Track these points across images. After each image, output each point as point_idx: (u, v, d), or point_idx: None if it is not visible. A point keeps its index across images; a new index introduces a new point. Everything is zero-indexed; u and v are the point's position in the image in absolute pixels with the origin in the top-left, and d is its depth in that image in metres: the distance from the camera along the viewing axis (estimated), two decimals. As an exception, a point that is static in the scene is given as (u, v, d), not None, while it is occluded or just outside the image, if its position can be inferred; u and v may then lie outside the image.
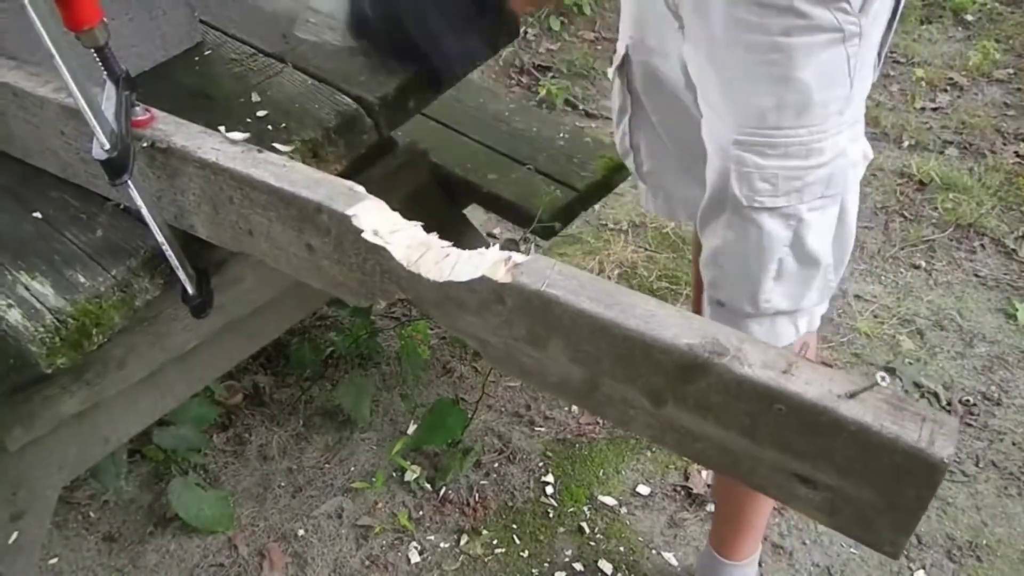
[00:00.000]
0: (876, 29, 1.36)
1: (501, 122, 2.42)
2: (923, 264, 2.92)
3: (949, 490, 2.29)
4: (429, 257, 1.05)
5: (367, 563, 2.18)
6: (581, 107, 3.79)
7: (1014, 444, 2.39)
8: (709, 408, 0.90)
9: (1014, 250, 2.94)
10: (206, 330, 1.56)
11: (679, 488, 2.33)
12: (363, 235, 1.07)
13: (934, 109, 3.63)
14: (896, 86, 3.76)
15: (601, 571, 2.16)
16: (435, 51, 1.39)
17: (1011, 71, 3.83)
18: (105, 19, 1.15)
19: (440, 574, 2.16)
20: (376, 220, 1.09)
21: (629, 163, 1.84)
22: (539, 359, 1.01)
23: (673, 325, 0.90)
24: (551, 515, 2.27)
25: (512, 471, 2.36)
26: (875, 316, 2.74)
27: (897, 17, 1.41)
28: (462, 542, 2.22)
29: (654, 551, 2.20)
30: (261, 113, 1.52)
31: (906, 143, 3.43)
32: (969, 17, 4.17)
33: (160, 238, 1.28)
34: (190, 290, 1.38)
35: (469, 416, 2.41)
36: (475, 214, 2.58)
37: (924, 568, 2.14)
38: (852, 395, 0.81)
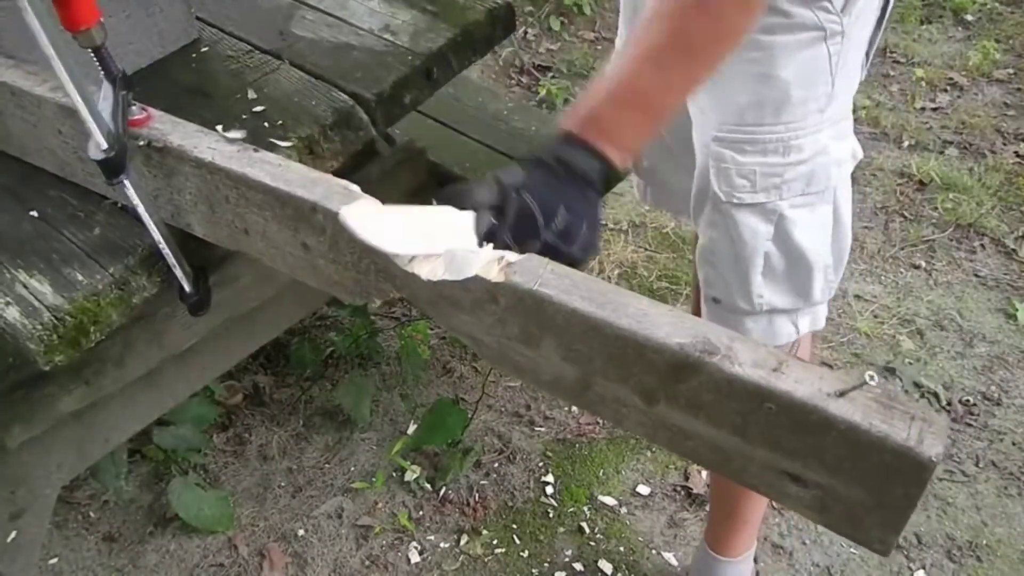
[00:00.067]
0: (861, 28, 1.37)
1: (500, 121, 2.42)
2: (923, 264, 2.92)
3: (949, 490, 2.29)
4: (423, 256, 1.05)
5: (367, 563, 2.18)
6: (582, 107, 3.79)
7: (1014, 444, 2.39)
8: (700, 407, 0.90)
9: (1014, 250, 2.94)
10: (205, 329, 1.56)
11: (679, 488, 2.33)
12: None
13: (934, 109, 3.62)
14: (896, 86, 3.75)
15: (601, 571, 2.16)
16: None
17: (1011, 71, 3.82)
18: (102, 17, 1.15)
19: (440, 574, 2.16)
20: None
21: None
22: (532, 358, 1.02)
23: (665, 324, 0.90)
24: (551, 515, 2.27)
25: (512, 471, 2.37)
26: (875, 316, 2.74)
27: (886, 17, 1.41)
28: (462, 542, 2.22)
29: (654, 551, 2.20)
30: (257, 110, 1.52)
31: (906, 143, 3.42)
32: (969, 17, 4.16)
33: (157, 236, 1.28)
34: (187, 288, 1.38)
35: (469, 416, 2.41)
36: (475, 214, 2.58)
37: (924, 568, 2.14)
38: (841, 394, 0.81)
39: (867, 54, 1.43)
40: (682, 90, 1.18)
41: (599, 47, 4.13)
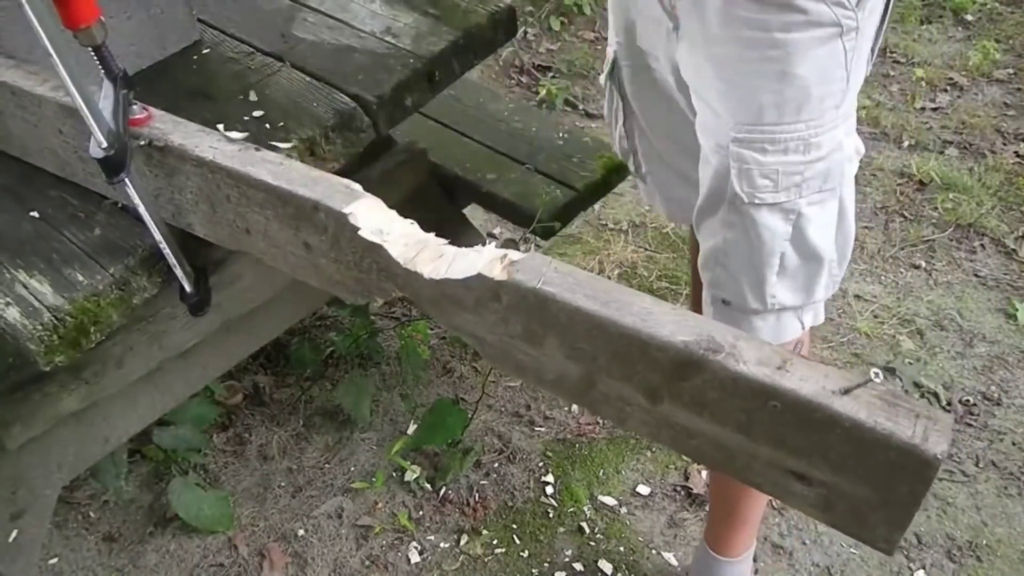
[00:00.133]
0: (871, 23, 1.37)
1: (500, 122, 2.42)
2: (923, 264, 2.92)
3: (949, 490, 2.29)
4: (426, 255, 1.05)
5: (367, 563, 2.18)
6: (581, 107, 3.79)
7: (1014, 444, 2.38)
8: (705, 405, 0.90)
9: (1014, 250, 2.94)
10: (205, 329, 1.56)
11: (679, 488, 2.32)
12: (360, 233, 1.07)
13: (934, 109, 3.62)
14: (896, 86, 3.75)
15: (601, 571, 2.16)
16: None
17: (1011, 71, 3.82)
18: (103, 17, 1.15)
19: (440, 574, 2.16)
20: (372, 218, 1.09)
21: (630, 164, 1.85)
22: (535, 357, 1.01)
23: (669, 322, 0.90)
24: (551, 515, 2.27)
25: (512, 471, 2.36)
26: (875, 316, 2.74)
27: (889, 10, 1.41)
28: (462, 542, 2.22)
29: (654, 551, 2.20)
30: (259, 112, 1.52)
31: (906, 143, 3.42)
32: (969, 17, 4.16)
33: (158, 236, 1.28)
34: (188, 288, 1.38)
35: (469, 416, 2.41)
36: (475, 214, 2.58)
37: (924, 568, 2.14)
38: (846, 391, 0.81)
39: (872, 49, 1.43)
40: None
41: (599, 47, 4.13)
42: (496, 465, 2.38)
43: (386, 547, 2.21)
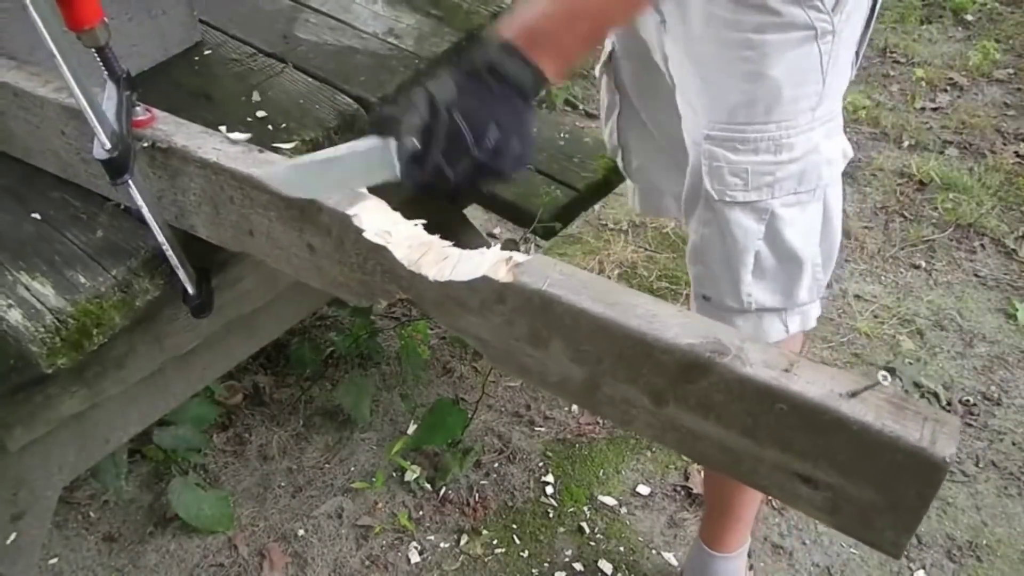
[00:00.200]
0: (851, 27, 1.37)
1: (501, 122, 2.41)
2: (923, 264, 2.92)
3: (949, 490, 2.29)
4: (430, 257, 1.05)
5: (367, 563, 2.18)
6: (581, 107, 3.79)
7: (1014, 444, 2.38)
8: (711, 408, 0.90)
9: (1014, 250, 2.94)
10: (206, 330, 1.56)
11: (679, 488, 2.32)
12: (364, 235, 1.07)
13: (934, 109, 3.62)
14: (896, 86, 3.76)
15: (601, 571, 2.16)
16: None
17: (1011, 71, 3.82)
18: (105, 19, 1.15)
19: (440, 574, 2.16)
20: (377, 220, 1.09)
21: (619, 160, 1.85)
22: (540, 359, 1.01)
23: (675, 325, 0.90)
24: (551, 515, 2.27)
25: (512, 471, 2.36)
26: (875, 316, 2.74)
27: (875, 15, 1.41)
28: (462, 542, 2.22)
29: (654, 551, 2.20)
30: (261, 113, 1.52)
31: (906, 143, 3.42)
32: (969, 17, 4.16)
33: (160, 238, 1.28)
34: (190, 290, 1.38)
35: (469, 416, 2.41)
36: (475, 214, 2.58)
37: (924, 568, 2.14)
38: (854, 394, 0.81)
39: (857, 53, 1.44)
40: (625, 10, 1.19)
41: (599, 47, 4.12)
42: (496, 465, 2.38)
43: (386, 547, 2.21)
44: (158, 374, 1.58)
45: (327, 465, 2.39)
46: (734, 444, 0.91)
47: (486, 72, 1.07)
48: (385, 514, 2.27)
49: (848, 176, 1.46)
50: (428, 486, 2.33)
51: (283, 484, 2.35)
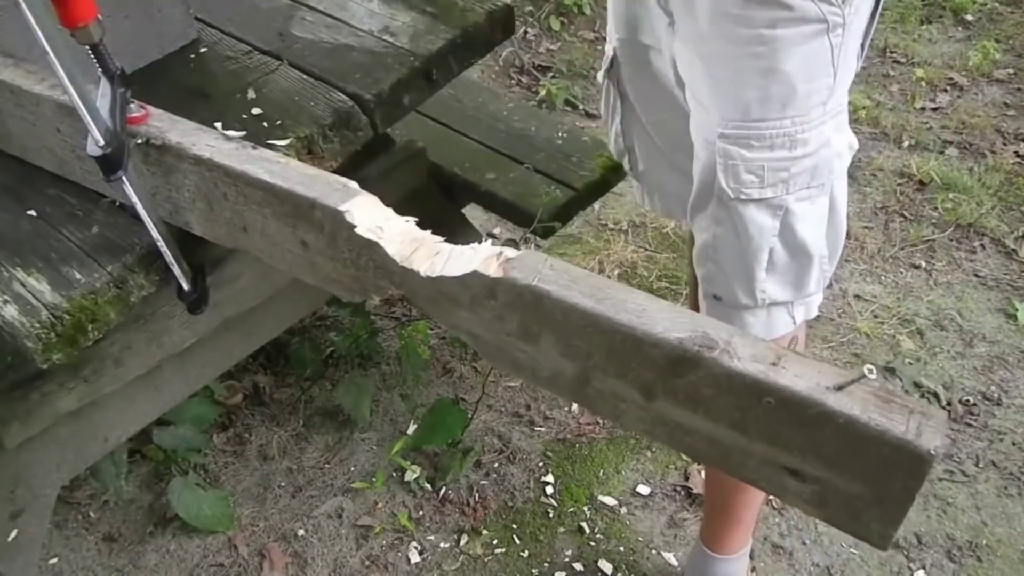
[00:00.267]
0: (859, 19, 1.37)
1: (500, 121, 2.42)
2: (923, 264, 2.92)
3: (949, 490, 2.29)
4: (422, 252, 1.05)
5: (367, 563, 2.18)
6: (581, 107, 3.79)
7: (1014, 444, 2.38)
8: (699, 402, 0.90)
9: (1014, 250, 2.93)
10: (204, 328, 1.56)
11: (679, 488, 2.32)
12: (356, 231, 1.08)
13: (934, 109, 3.62)
14: (896, 86, 3.75)
15: (601, 571, 2.16)
16: None
17: (1011, 71, 3.82)
18: (100, 16, 1.15)
19: (440, 574, 2.16)
20: (369, 216, 1.09)
21: (625, 163, 1.85)
22: (531, 354, 1.01)
23: (663, 319, 0.90)
24: (551, 515, 2.27)
25: (512, 471, 2.36)
26: (875, 316, 2.74)
27: (879, 7, 1.41)
28: (462, 542, 2.22)
29: (654, 551, 2.20)
30: (256, 110, 1.52)
31: (906, 143, 3.42)
32: (969, 17, 4.16)
33: (155, 235, 1.28)
34: (185, 287, 1.38)
35: (469, 416, 2.41)
36: (474, 213, 2.58)
37: (924, 568, 2.14)
38: (840, 387, 0.81)
39: (862, 45, 1.44)
40: None
41: (599, 47, 4.13)
42: (496, 465, 2.38)
43: (386, 547, 2.21)
44: (156, 372, 1.58)
45: (327, 465, 2.39)
46: (723, 438, 0.91)
47: None
48: (385, 514, 2.28)
49: (848, 176, 1.45)
50: (428, 486, 2.33)
51: (283, 484, 2.35)
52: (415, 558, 2.19)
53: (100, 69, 1.20)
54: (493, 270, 0.98)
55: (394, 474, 2.36)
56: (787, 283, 1.49)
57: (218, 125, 1.32)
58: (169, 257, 1.31)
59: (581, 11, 4.30)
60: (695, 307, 1.87)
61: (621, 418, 0.99)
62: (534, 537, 2.23)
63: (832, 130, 1.40)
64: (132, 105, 1.25)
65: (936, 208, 3.11)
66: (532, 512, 2.28)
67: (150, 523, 2.27)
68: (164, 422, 2.22)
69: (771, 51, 1.31)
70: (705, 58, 1.39)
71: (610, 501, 2.30)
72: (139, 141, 1.25)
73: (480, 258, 1.00)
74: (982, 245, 2.98)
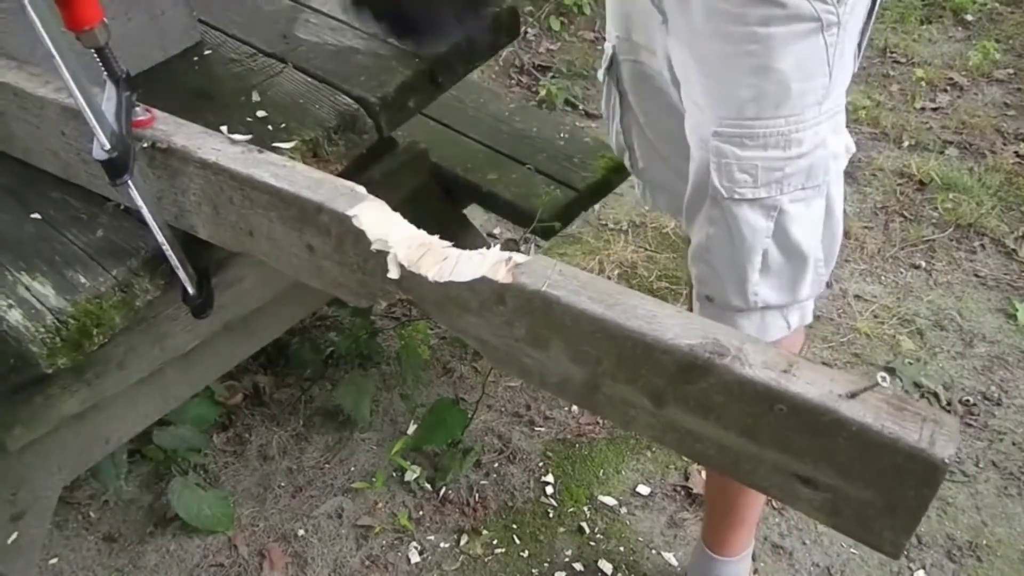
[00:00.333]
0: (855, 19, 1.36)
1: (501, 122, 2.42)
2: (923, 264, 2.92)
3: (949, 490, 2.29)
4: (430, 258, 1.05)
5: (367, 563, 2.18)
6: (581, 107, 3.79)
7: (1014, 444, 2.38)
8: (710, 409, 0.90)
9: (1014, 250, 2.94)
10: (206, 330, 1.56)
11: (679, 488, 2.32)
12: (364, 235, 1.07)
13: (934, 109, 3.62)
14: (896, 86, 3.76)
15: (601, 571, 2.16)
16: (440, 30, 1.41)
17: (1011, 71, 3.82)
18: (105, 19, 1.15)
19: (440, 574, 2.16)
20: (377, 220, 1.09)
21: (625, 161, 1.85)
22: (540, 359, 1.01)
23: (674, 326, 0.90)
24: (551, 515, 2.27)
25: (512, 471, 2.36)
26: (875, 316, 2.74)
27: (876, 7, 1.41)
28: (462, 542, 2.22)
29: (654, 551, 2.20)
30: (261, 113, 1.52)
31: (906, 143, 3.42)
32: (969, 17, 4.16)
33: (160, 238, 1.28)
34: (191, 291, 1.38)
35: (469, 416, 2.41)
36: (474, 214, 2.58)
37: (924, 568, 2.14)
38: (853, 395, 0.81)
39: (859, 45, 1.43)
40: None
41: (599, 47, 4.12)
42: (496, 465, 2.38)
43: (386, 547, 2.21)
44: (158, 374, 1.58)
45: (327, 465, 2.39)
46: (734, 445, 0.91)
47: None
48: (385, 514, 2.28)
49: (848, 176, 1.45)
50: (428, 486, 2.33)
51: (283, 484, 2.35)
52: (415, 558, 2.19)
53: (105, 72, 1.20)
54: (502, 275, 0.98)
55: (394, 474, 2.36)
56: (781, 286, 1.49)
57: (223, 128, 1.32)
58: (174, 261, 1.31)
59: (581, 11, 4.29)
60: (693, 311, 1.88)
61: (630, 424, 0.99)
62: (534, 537, 2.23)
63: (828, 131, 1.39)
64: (137, 108, 1.25)
65: (936, 208, 3.11)
66: (532, 512, 2.28)
67: (150, 523, 2.27)
68: (164, 422, 2.22)
69: (765, 49, 1.31)
70: (698, 56, 1.39)
71: (610, 501, 2.30)
72: (144, 145, 1.25)
73: (489, 263, 1.00)
74: (982, 245, 2.98)
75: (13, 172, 1.48)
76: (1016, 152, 3.36)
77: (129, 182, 1.20)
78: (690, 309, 1.91)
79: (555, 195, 2.19)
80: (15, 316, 1.26)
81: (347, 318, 2.66)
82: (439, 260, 1.04)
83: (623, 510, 2.28)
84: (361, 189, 1.13)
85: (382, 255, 1.06)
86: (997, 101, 3.66)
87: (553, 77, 3.93)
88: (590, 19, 4.31)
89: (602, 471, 2.37)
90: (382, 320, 2.71)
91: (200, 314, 1.42)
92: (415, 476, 2.34)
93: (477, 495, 2.31)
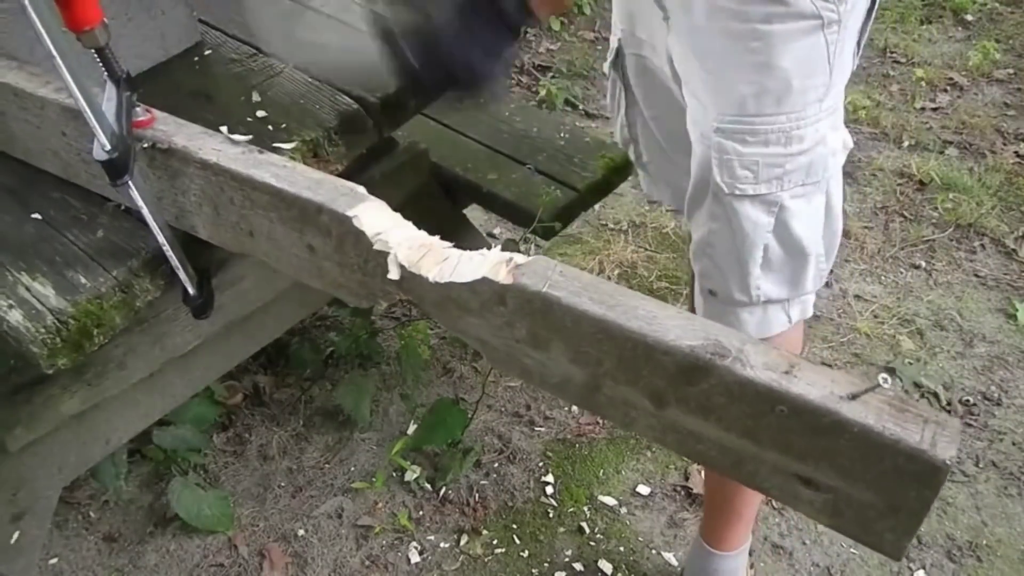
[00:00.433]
0: (855, 17, 1.37)
1: (501, 122, 2.42)
2: (923, 264, 2.92)
3: (949, 490, 2.29)
4: (430, 258, 1.05)
5: (367, 563, 2.18)
6: (581, 107, 3.79)
7: (1014, 444, 2.39)
8: (711, 410, 0.90)
9: (1014, 250, 2.94)
10: (206, 330, 1.56)
11: (679, 488, 2.32)
12: (364, 236, 1.07)
13: (934, 109, 3.62)
14: (896, 86, 3.76)
15: (601, 571, 2.16)
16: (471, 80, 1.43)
17: (1011, 71, 3.83)
18: (105, 20, 1.15)
19: (440, 574, 2.16)
20: (377, 221, 1.09)
21: (630, 153, 1.85)
22: (540, 360, 1.01)
23: (675, 327, 0.90)
24: (551, 515, 2.27)
25: (512, 471, 2.36)
26: (875, 316, 2.74)
27: (876, 6, 1.41)
28: (462, 542, 2.22)
29: (654, 551, 2.20)
30: (261, 113, 1.52)
31: (906, 143, 3.42)
32: (969, 17, 4.17)
33: (161, 239, 1.28)
34: (191, 291, 1.38)
35: (469, 416, 2.41)
36: (474, 214, 2.58)
37: (924, 568, 2.14)
38: (854, 396, 0.81)
39: (858, 43, 1.44)
40: None
41: (599, 47, 4.13)
42: (496, 465, 2.38)
43: (386, 547, 2.21)
44: (158, 374, 1.58)
45: (327, 465, 2.39)
46: (735, 446, 0.91)
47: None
48: (385, 514, 2.27)
49: (848, 176, 1.45)
50: (428, 486, 2.33)
51: (283, 484, 2.35)
52: (415, 558, 2.19)
53: (106, 73, 1.20)
54: (503, 276, 0.98)
55: (394, 474, 2.36)
56: (783, 281, 1.49)
57: (223, 128, 1.32)
58: (175, 261, 1.31)
59: (581, 11, 4.29)
60: (695, 307, 1.88)
61: (631, 425, 0.99)
62: (534, 537, 2.23)
63: (828, 128, 1.40)
64: (138, 109, 1.25)
65: (936, 208, 3.11)
66: (532, 512, 2.28)
67: (150, 523, 2.27)
68: (164, 422, 2.22)
69: (766, 46, 1.32)
70: (700, 52, 1.39)
71: (610, 501, 2.30)
72: (145, 145, 1.25)
73: (489, 264, 1.00)
74: (982, 245, 2.98)
75: (14, 172, 1.48)
76: (1016, 152, 3.36)
77: (129, 182, 1.20)
78: (691, 307, 1.91)
79: (555, 195, 2.19)
80: (15, 316, 1.26)
81: (347, 318, 2.66)
82: (440, 261, 1.04)
83: (623, 510, 2.28)
84: (361, 189, 1.13)
85: (382, 256, 1.06)
86: (997, 101, 3.66)
87: (553, 77, 3.93)
88: (590, 19, 4.31)
89: (602, 471, 2.37)
90: (382, 320, 2.71)
91: (200, 314, 1.42)
92: (415, 476, 2.34)
93: (477, 495, 2.31)
